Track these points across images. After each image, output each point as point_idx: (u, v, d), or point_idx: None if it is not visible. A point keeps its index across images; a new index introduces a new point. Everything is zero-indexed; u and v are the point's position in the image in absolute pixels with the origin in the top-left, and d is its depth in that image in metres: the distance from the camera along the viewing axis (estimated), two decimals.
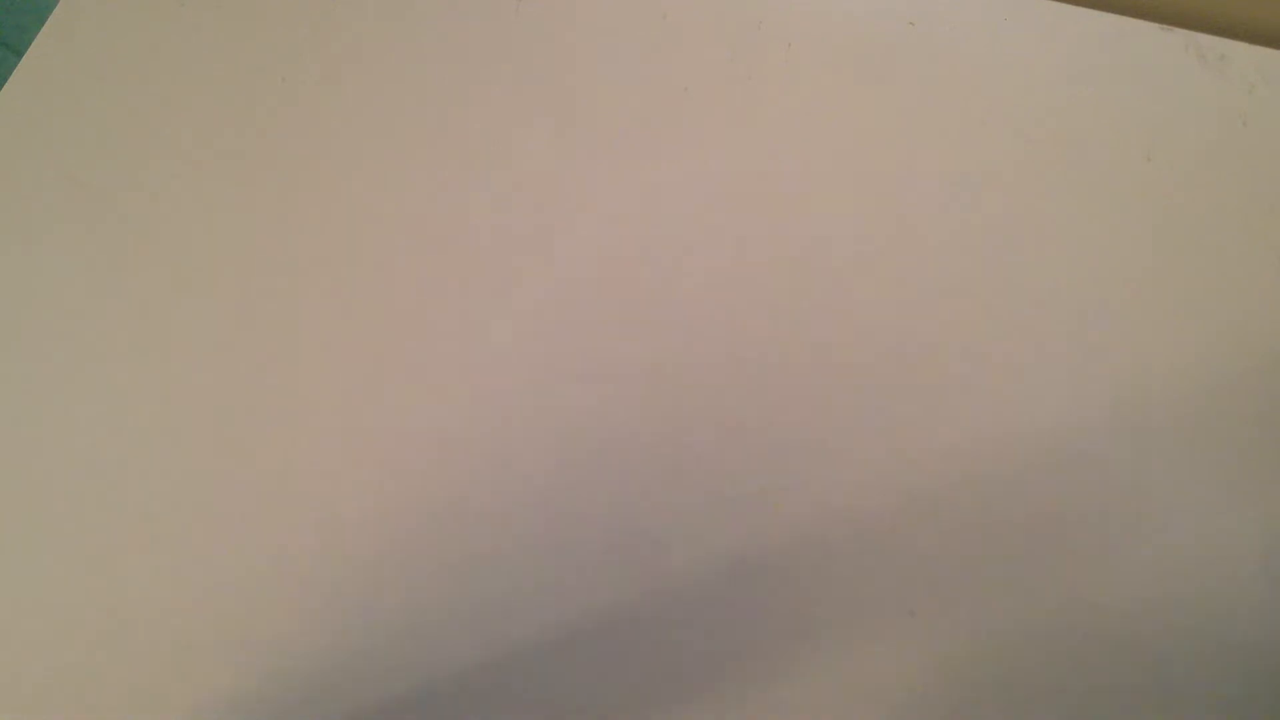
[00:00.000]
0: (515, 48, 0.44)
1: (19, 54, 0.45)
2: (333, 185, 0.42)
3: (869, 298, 0.38)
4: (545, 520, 0.35)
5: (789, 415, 0.36)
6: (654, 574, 0.35)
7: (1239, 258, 0.38)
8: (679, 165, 0.41)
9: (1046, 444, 0.36)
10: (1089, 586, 0.34)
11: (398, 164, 0.42)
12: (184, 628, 0.35)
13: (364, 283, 0.39)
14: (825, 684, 0.33)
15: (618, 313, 0.38)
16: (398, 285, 0.39)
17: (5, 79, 0.45)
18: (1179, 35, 0.43)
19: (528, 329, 0.38)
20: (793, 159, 0.41)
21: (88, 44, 0.45)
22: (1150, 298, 0.38)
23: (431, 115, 0.43)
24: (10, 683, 0.35)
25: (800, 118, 0.42)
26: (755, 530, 0.35)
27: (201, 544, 0.36)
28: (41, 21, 0.46)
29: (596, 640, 0.34)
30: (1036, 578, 0.34)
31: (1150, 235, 0.39)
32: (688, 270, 0.38)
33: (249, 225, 0.41)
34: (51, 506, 0.37)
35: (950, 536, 0.35)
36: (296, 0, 0.45)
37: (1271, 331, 0.37)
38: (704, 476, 0.36)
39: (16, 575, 0.36)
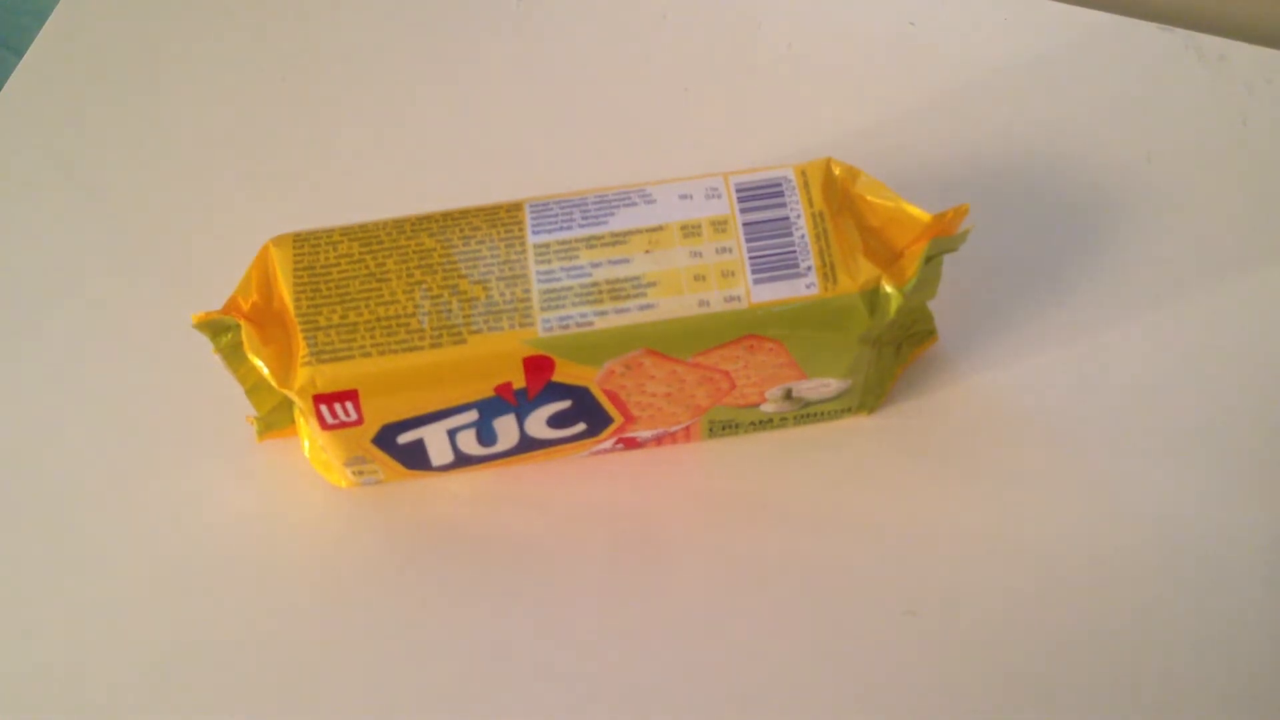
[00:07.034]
0: (515, 47, 0.44)
1: (19, 54, 0.45)
2: (333, 184, 0.42)
3: None
4: None
5: None
6: (655, 565, 0.35)
7: (1239, 258, 0.39)
8: (678, 166, 0.41)
9: (1044, 442, 0.36)
10: (1086, 584, 0.34)
11: (396, 163, 0.42)
12: None
13: None
14: (824, 683, 0.33)
15: None
16: None
17: (5, 79, 0.45)
18: (1179, 35, 0.43)
19: None
20: (792, 159, 0.41)
21: (88, 44, 0.45)
22: (1149, 297, 0.38)
23: (431, 115, 0.43)
24: None
25: (800, 118, 0.42)
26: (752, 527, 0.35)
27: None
28: (41, 21, 0.46)
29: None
30: (1034, 577, 0.34)
31: (1150, 235, 0.39)
32: None
33: (250, 226, 0.41)
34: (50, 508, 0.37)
35: (948, 535, 0.35)
36: (297, 1, 0.46)
37: (1272, 331, 0.37)
38: None
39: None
